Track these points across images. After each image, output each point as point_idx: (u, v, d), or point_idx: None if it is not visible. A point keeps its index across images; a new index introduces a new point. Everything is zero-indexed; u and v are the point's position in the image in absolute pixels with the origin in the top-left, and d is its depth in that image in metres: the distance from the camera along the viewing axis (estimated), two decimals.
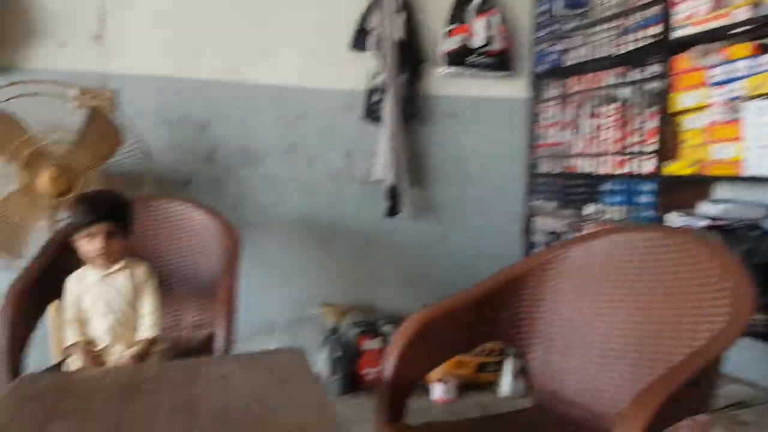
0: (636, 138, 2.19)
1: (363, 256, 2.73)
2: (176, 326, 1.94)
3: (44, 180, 2.01)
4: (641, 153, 2.14)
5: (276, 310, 2.62)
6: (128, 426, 0.97)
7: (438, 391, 2.48)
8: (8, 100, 1.98)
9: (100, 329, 1.59)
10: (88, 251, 1.56)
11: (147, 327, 1.60)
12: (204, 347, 1.81)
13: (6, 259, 2.04)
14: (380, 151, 2.64)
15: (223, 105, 2.48)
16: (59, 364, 1.68)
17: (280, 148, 2.58)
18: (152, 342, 1.59)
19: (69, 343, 1.55)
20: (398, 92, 2.61)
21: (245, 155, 2.54)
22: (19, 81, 2.03)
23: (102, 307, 1.59)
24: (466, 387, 2.55)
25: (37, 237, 2.06)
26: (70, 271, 1.67)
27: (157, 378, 1.19)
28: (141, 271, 1.64)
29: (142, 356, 1.55)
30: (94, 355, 1.55)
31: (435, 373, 2.46)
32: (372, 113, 2.62)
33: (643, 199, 2.15)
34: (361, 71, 2.59)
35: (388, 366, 1.31)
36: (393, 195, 2.63)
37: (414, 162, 2.74)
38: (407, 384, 1.33)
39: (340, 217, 2.67)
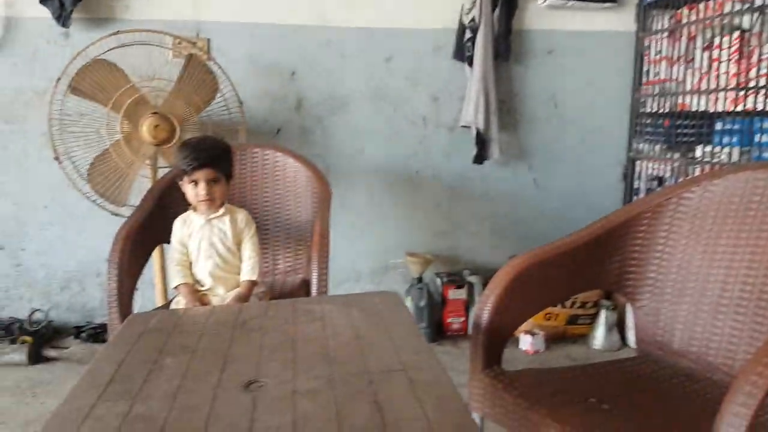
0: (757, 71, 2.00)
1: (449, 205, 2.70)
2: (271, 271, 2.00)
3: (145, 128, 2.08)
4: (763, 88, 1.96)
5: (361, 258, 2.65)
6: (235, 362, 0.99)
7: (527, 342, 2.42)
8: (109, 50, 2.05)
9: (203, 271, 1.64)
10: (193, 196, 1.61)
11: (248, 270, 1.64)
12: (297, 292, 1.86)
13: (112, 207, 2.16)
14: (469, 94, 2.53)
15: (311, 52, 2.48)
16: (167, 305, 1.75)
17: (366, 94, 2.55)
18: (253, 285, 1.63)
19: (175, 283, 1.62)
20: (492, 28, 2.47)
21: (332, 103, 2.53)
22: (118, 31, 2.11)
23: (206, 249, 1.64)
24: (555, 339, 2.49)
25: (140, 185, 2.18)
26: (173, 217, 1.72)
27: (259, 317, 1.21)
28: (241, 217, 1.67)
29: (243, 298, 1.59)
30: (199, 295, 1.61)
31: (523, 325, 2.41)
32: (462, 53, 2.51)
33: (764, 138, 1.97)
34: (454, 6, 2.48)
35: (485, 312, 1.27)
36: (481, 140, 2.54)
37: (505, 105, 2.63)
38: (503, 331, 1.29)
39: (426, 165, 2.64)
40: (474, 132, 2.53)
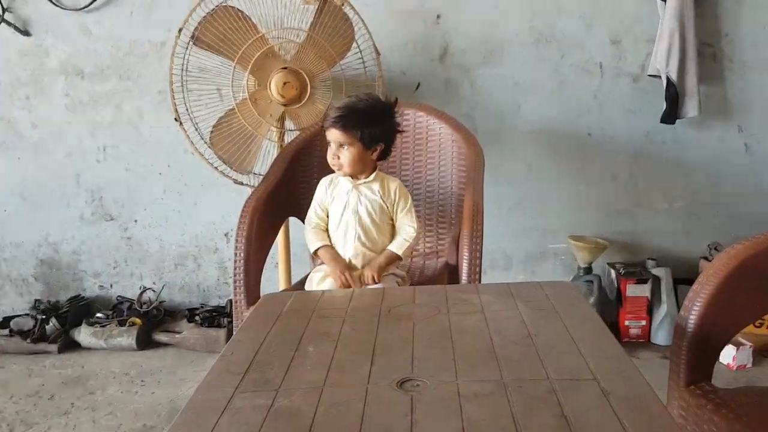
0: None
1: (629, 176, 2.57)
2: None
3: (274, 85, 2.17)
4: None
5: (512, 241, 2.63)
6: (386, 354, 1.01)
7: (729, 355, 2.25)
8: None
9: (342, 243, 1.71)
10: (329, 160, 1.69)
11: (398, 243, 1.69)
12: (438, 278, 1.86)
13: (235, 174, 2.29)
14: (660, 35, 2.37)
15: None
16: (298, 284, 1.84)
17: (527, 38, 2.49)
18: (394, 260, 1.68)
19: (316, 246, 1.69)
20: None
21: (483, 50, 2.50)
22: None
23: (349, 218, 1.70)
24: (764, 352, 2.30)
25: (264, 151, 2.29)
26: (305, 186, 1.81)
27: (406, 304, 1.22)
28: (395, 186, 1.72)
29: (377, 268, 1.65)
30: (341, 266, 1.65)
31: None
32: None
33: None
34: None
35: (692, 314, 1.18)
36: (674, 94, 2.38)
37: (708, 48, 2.44)
38: (716, 339, 1.20)
39: (602, 125, 2.54)
40: (664, 83, 2.37)
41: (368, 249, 1.69)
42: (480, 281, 1.61)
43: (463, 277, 1.60)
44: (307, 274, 1.87)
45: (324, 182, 1.75)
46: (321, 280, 1.68)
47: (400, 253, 1.67)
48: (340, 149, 1.65)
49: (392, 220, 1.72)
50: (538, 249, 2.64)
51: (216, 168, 2.28)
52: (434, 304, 1.21)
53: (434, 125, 2.04)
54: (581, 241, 2.52)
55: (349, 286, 1.61)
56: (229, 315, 2.57)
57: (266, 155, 2.29)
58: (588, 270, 2.51)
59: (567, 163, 2.59)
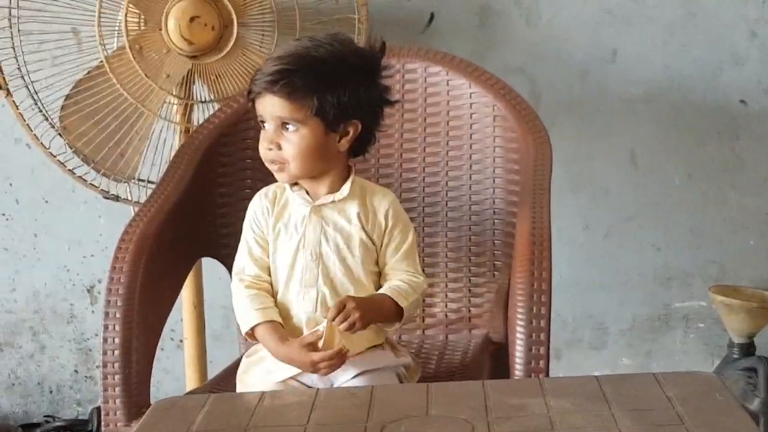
0: None
1: None
2: (418, 320, 2.04)
3: (175, 22, 2.16)
4: None
5: (606, 295, 2.66)
6: None
7: None
8: None
9: (299, 307, 1.69)
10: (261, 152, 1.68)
11: (399, 287, 1.67)
12: (474, 366, 1.86)
13: (105, 183, 2.28)
14: None
15: None
16: (221, 379, 1.84)
17: None
18: (397, 313, 1.66)
19: (251, 323, 1.67)
20: None
21: None
22: None
23: (308, 263, 1.69)
24: None
25: (161, 138, 2.27)
26: (228, 204, 1.80)
27: (413, 415, 1.21)
28: (385, 206, 1.71)
29: (371, 312, 1.60)
30: (310, 342, 1.60)
31: None
32: None
33: None
34: None
35: None
36: None
37: None
38: None
39: (765, 85, 2.57)
40: None
41: None
42: (548, 372, 1.59)
43: (517, 366, 1.58)
44: (236, 361, 1.84)
45: (261, 199, 1.74)
46: (261, 371, 1.67)
47: (401, 303, 1.65)
48: (280, 132, 1.63)
49: (378, 265, 1.71)
50: (653, 310, 2.68)
51: (71, 171, 2.28)
52: (464, 417, 1.19)
53: (461, 90, 2.05)
54: (734, 295, 2.55)
55: (331, 369, 1.58)
56: None
57: (161, 148, 2.29)
58: (747, 348, 2.54)
59: (703, 155, 2.64)
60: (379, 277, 1.72)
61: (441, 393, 1.29)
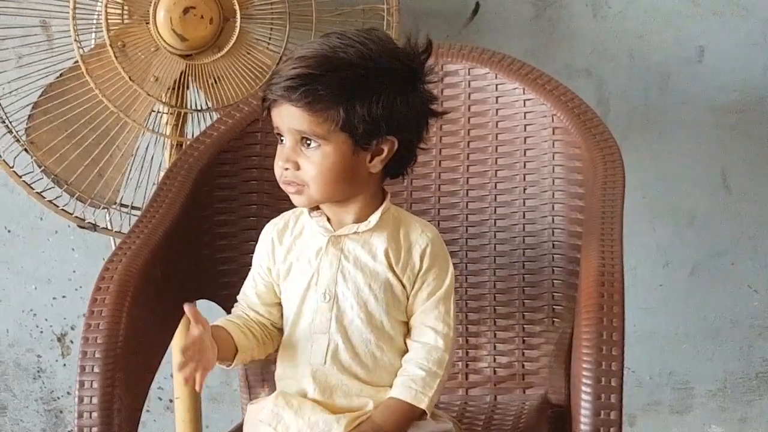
0: None
1: None
2: (460, 377, 2.05)
3: (165, 14, 2.18)
4: None
5: (691, 348, 2.67)
6: None
7: None
8: None
9: (306, 356, 1.71)
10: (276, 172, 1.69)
11: (412, 375, 1.66)
12: (531, 427, 1.87)
13: (80, 210, 2.29)
14: None
15: None
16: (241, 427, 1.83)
17: None
18: (412, 414, 1.66)
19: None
20: None
21: None
22: None
23: (321, 306, 1.70)
24: None
25: (147, 155, 2.29)
26: (231, 237, 1.82)
27: None
28: (422, 243, 1.71)
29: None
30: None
31: None
32: None
33: None
34: None
35: None
36: None
37: None
38: None
39: None
40: None
41: (358, 381, 1.69)
42: None
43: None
44: (238, 426, 1.86)
45: (271, 230, 1.77)
46: (276, 413, 1.67)
47: (421, 405, 1.65)
48: (298, 148, 1.65)
49: (407, 314, 1.72)
50: (750, 366, 2.69)
51: (39, 194, 2.30)
52: None
53: (512, 96, 2.06)
54: None
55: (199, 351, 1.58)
56: None
57: (147, 167, 2.31)
58: None
59: None
60: (407, 326, 1.72)
61: None
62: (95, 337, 1.70)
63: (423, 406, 1.64)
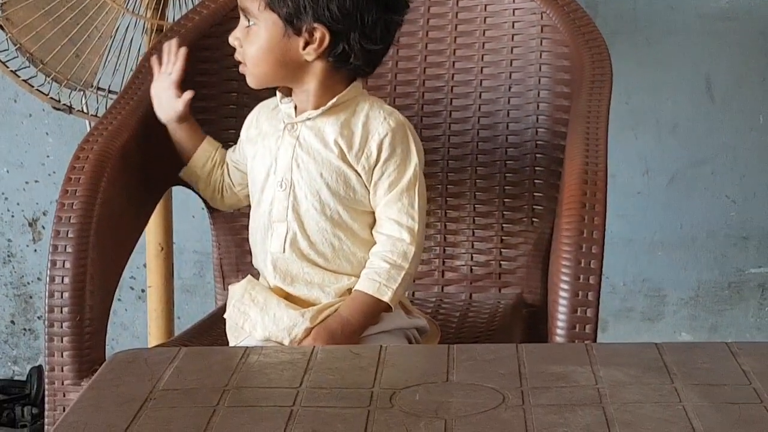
0: None
1: None
2: (437, 273, 2.05)
3: None
4: None
5: (666, 256, 2.70)
6: None
7: None
8: None
9: (265, 244, 1.73)
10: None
11: (377, 268, 1.67)
12: (505, 330, 1.87)
13: (59, 89, 2.28)
14: None
15: None
16: (207, 322, 1.88)
17: None
18: (376, 306, 1.67)
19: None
20: None
21: None
22: None
23: (276, 193, 1.72)
24: None
25: (125, 37, 2.27)
26: (206, 122, 1.84)
27: (430, 381, 1.21)
28: (381, 131, 1.71)
29: (340, 331, 1.65)
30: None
31: None
32: None
33: None
34: None
35: None
36: None
37: None
38: None
39: None
40: None
41: (319, 269, 1.71)
42: (595, 339, 1.60)
43: (558, 331, 1.59)
44: (210, 316, 1.88)
45: (259, 108, 1.81)
46: (242, 311, 1.70)
47: (384, 298, 1.66)
48: (244, 27, 1.69)
49: (370, 206, 1.72)
50: (723, 276, 2.71)
51: (13, 72, 2.29)
52: (492, 385, 1.20)
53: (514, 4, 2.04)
54: None
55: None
56: (36, 400, 2.58)
57: (126, 50, 2.30)
58: None
59: None
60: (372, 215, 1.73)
61: (465, 357, 1.30)
62: (68, 217, 1.71)
63: (386, 299, 1.65)
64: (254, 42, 1.67)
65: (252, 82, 1.72)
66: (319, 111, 1.69)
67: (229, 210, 1.95)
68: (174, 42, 1.81)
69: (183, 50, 1.79)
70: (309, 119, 1.70)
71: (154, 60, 1.83)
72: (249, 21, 1.66)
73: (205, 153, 1.82)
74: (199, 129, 1.84)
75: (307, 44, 1.65)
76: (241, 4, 1.67)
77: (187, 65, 1.79)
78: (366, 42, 1.67)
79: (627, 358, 1.28)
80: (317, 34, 1.65)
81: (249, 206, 1.82)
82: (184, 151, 1.83)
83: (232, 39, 1.69)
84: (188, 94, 1.77)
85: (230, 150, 1.85)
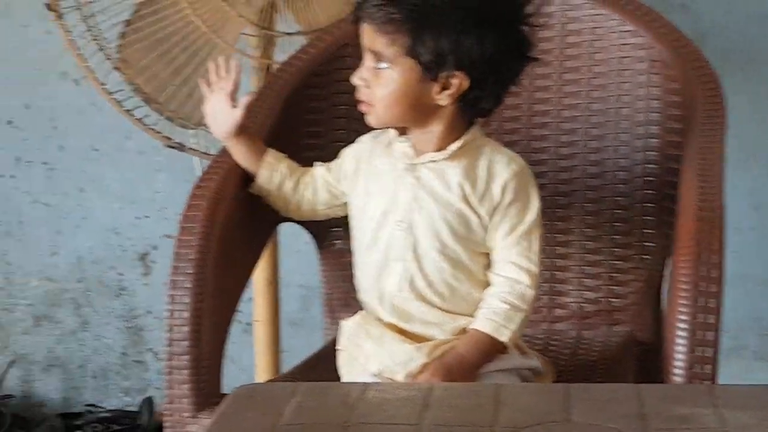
0: None
1: None
2: (545, 310, 2.03)
3: None
4: None
5: None
6: None
7: None
8: None
9: (386, 281, 1.72)
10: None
11: (495, 307, 1.67)
12: (613, 370, 1.85)
13: (172, 127, 2.30)
14: None
15: None
16: (317, 357, 1.89)
17: None
18: (492, 346, 1.67)
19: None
20: None
21: None
22: None
23: (395, 234, 1.71)
24: None
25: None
26: (312, 159, 1.85)
27: (549, 420, 1.20)
28: (505, 175, 1.70)
29: (455, 368, 1.63)
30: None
31: None
32: None
33: None
34: None
35: None
36: None
37: None
38: None
39: None
40: None
41: (435, 309, 1.70)
42: (714, 379, 1.59)
43: (676, 371, 1.57)
44: (321, 351, 1.90)
45: (366, 140, 1.80)
46: (357, 344, 1.71)
47: (502, 338, 1.66)
48: (373, 68, 1.67)
49: (487, 247, 1.71)
50: None
51: (128, 111, 2.30)
52: (614, 425, 1.18)
53: (608, 27, 2.03)
54: None
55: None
56: (148, 430, 2.63)
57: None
58: None
59: None
60: (487, 258, 1.72)
61: (583, 396, 1.29)
62: (187, 253, 1.73)
63: (504, 339, 1.65)
64: (387, 85, 1.65)
65: (375, 122, 1.71)
66: (446, 154, 1.68)
67: (299, 219, 1.94)
68: (221, 59, 1.81)
69: (233, 63, 1.80)
70: (433, 161, 1.70)
71: (201, 82, 1.84)
72: (381, 64, 1.65)
73: (269, 167, 1.82)
74: (260, 141, 1.84)
75: (442, 89, 1.65)
76: (372, 47, 1.65)
77: (237, 77, 1.80)
78: (500, 86, 1.69)
79: (752, 399, 1.26)
80: (455, 81, 1.64)
81: (349, 240, 1.83)
82: (248, 166, 1.82)
83: (357, 79, 1.68)
84: (245, 99, 1.78)
85: (321, 167, 1.83)
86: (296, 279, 2.62)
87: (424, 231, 1.68)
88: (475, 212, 1.68)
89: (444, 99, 1.65)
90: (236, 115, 1.77)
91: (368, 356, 1.67)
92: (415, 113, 1.67)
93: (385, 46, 1.64)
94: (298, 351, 2.19)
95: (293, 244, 2.40)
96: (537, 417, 1.22)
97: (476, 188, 1.68)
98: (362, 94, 1.68)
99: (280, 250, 2.38)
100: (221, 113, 1.79)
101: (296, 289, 2.64)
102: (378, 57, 1.65)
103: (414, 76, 1.64)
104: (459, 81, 1.64)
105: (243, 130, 1.80)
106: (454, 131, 1.69)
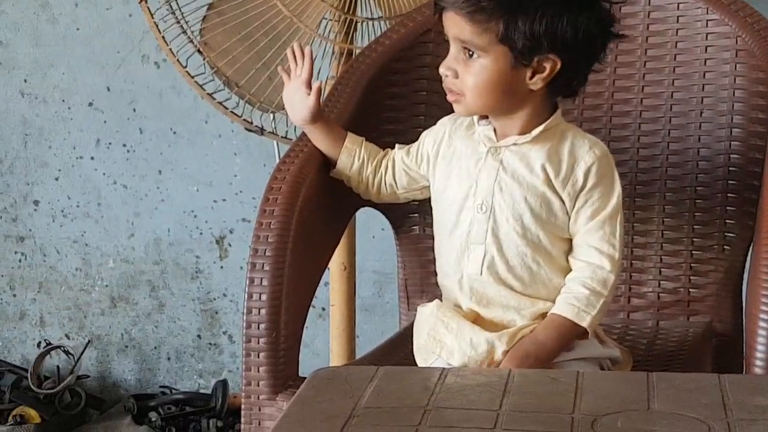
0: None
1: None
2: (623, 299, 2.03)
3: None
4: None
5: None
6: None
7: None
8: None
9: (461, 266, 1.71)
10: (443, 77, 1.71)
11: (576, 293, 1.66)
12: (692, 360, 1.84)
13: (252, 111, 2.32)
14: None
15: None
16: (392, 342, 1.88)
17: None
18: (573, 331, 1.66)
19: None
20: None
21: None
22: None
23: (476, 216, 1.71)
24: None
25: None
26: (392, 144, 1.85)
27: (631, 408, 1.20)
28: (588, 159, 1.70)
29: (537, 354, 1.63)
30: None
31: None
32: None
33: None
34: None
35: None
36: None
37: None
38: None
39: None
40: None
41: (515, 293, 1.69)
42: None
43: (757, 362, 1.55)
44: (397, 336, 1.89)
45: (446, 123, 1.79)
46: (437, 339, 1.68)
47: (583, 323, 1.64)
48: (461, 57, 1.66)
49: (569, 232, 1.71)
50: None
51: (210, 95, 2.32)
52: (696, 415, 1.18)
53: (693, 16, 2.02)
54: None
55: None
56: (221, 413, 2.64)
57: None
58: None
59: None
60: (568, 243, 1.71)
61: (664, 385, 1.28)
62: (266, 236, 1.73)
63: (585, 324, 1.63)
64: (479, 74, 1.64)
65: (464, 111, 1.70)
66: (529, 137, 1.68)
67: (380, 203, 1.94)
68: (296, 45, 1.81)
69: (308, 49, 1.80)
70: (516, 144, 1.69)
71: (280, 69, 1.85)
72: (471, 53, 1.64)
73: (349, 152, 1.82)
74: (338, 126, 1.84)
75: (534, 74, 1.64)
76: (461, 37, 1.63)
77: (311, 65, 1.80)
78: (589, 65, 1.69)
79: None
80: (548, 64, 1.64)
81: (431, 226, 1.83)
82: (328, 151, 1.83)
83: (444, 69, 1.67)
84: (316, 85, 1.78)
85: (401, 150, 1.83)
86: (370, 265, 2.61)
87: (506, 214, 1.68)
88: (558, 196, 1.68)
89: (536, 83, 1.64)
90: (311, 101, 1.77)
91: (450, 350, 1.65)
92: (506, 100, 1.66)
93: (476, 35, 1.62)
94: (371, 336, 2.20)
95: (367, 230, 2.40)
96: (618, 405, 1.22)
97: (559, 172, 1.68)
98: (450, 83, 1.67)
99: (359, 231, 2.38)
100: (298, 100, 1.79)
101: (370, 274, 2.62)
102: (467, 45, 1.63)
103: (507, 62, 1.63)
104: (552, 64, 1.63)
105: (320, 116, 1.80)
106: (539, 115, 1.68)
